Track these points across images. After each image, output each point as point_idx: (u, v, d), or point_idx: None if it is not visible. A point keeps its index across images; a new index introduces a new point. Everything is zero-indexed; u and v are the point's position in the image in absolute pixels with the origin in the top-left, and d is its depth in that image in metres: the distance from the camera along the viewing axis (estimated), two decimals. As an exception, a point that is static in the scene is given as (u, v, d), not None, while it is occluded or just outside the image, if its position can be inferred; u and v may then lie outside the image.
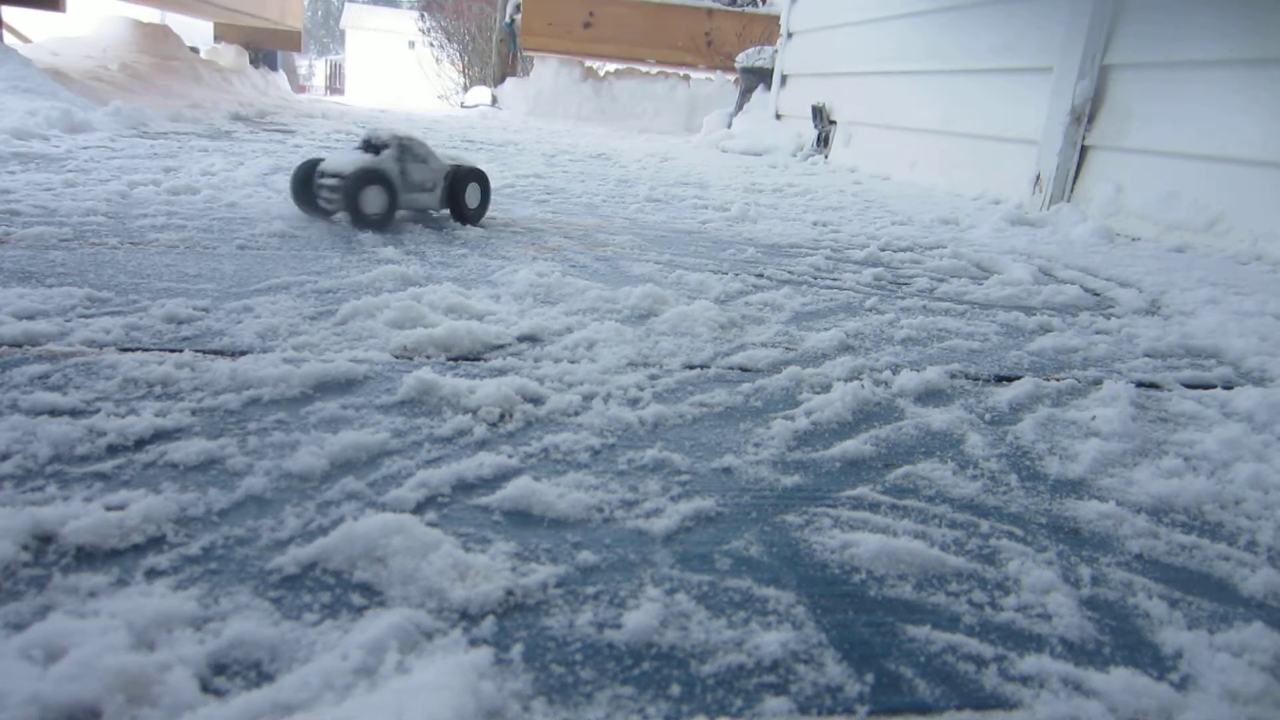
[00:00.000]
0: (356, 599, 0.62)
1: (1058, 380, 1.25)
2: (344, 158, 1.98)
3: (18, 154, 2.67)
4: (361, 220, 1.93)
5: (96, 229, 1.75)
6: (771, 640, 0.60)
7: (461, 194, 2.09)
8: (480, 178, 2.15)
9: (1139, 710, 0.56)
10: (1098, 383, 1.25)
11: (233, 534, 0.69)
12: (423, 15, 15.24)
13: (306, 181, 2.01)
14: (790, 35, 6.26)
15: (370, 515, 0.70)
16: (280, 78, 9.95)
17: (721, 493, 0.83)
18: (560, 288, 1.56)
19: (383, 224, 1.95)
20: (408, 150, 2.00)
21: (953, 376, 1.24)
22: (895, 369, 1.24)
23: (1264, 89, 2.58)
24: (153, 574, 0.63)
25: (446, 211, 2.14)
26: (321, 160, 2.01)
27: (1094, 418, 1.09)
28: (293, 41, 10.30)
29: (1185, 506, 0.87)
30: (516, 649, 0.57)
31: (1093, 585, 0.71)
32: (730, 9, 10.14)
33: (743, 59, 7.11)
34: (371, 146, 1.99)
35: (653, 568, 0.69)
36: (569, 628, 0.60)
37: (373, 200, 1.91)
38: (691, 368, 1.19)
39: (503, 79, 11.01)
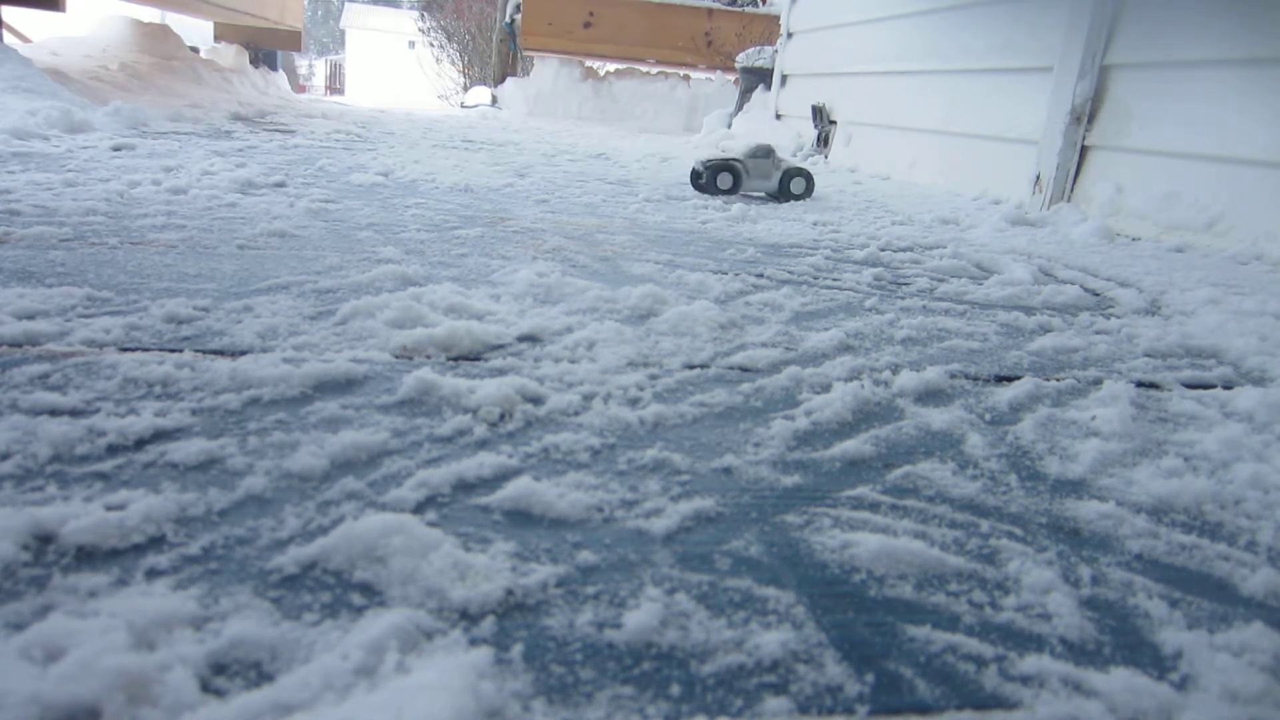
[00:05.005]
0: (356, 599, 0.62)
1: (1058, 380, 1.25)
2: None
3: (18, 154, 2.67)
4: None
5: (96, 229, 1.75)
6: (771, 640, 0.60)
7: None
8: None
9: (1139, 710, 0.56)
10: (1098, 383, 1.25)
11: (233, 534, 0.69)
12: (423, 15, 15.24)
13: None
14: (790, 35, 6.26)
15: (370, 515, 0.70)
16: (280, 78, 9.95)
17: (721, 493, 0.83)
18: (560, 288, 1.56)
19: None
20: None
21: (953, 376, 1.24)
22: (895, 369, 1.24)
23: (1264, 89, 2.58)
24: (153, 574, 0.63)
25: None
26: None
27: (1094, 418, 1.09)
28: (293, 41, 10.31)
29: (1185, 506, 0.87)
30: (516, 649, 0.57)
31: (1093, 585, 0.71)
32: (730, 9, 10.14)
33: (743, 59, 7.11)
34: None
35: (653, 568, 0.69)
36: (569, 628, 0.60)
37: None
38: (691, 368, 1.19)
39: (503, 79, 11.00)
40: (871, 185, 4.17)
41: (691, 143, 6.65)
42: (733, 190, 3.15)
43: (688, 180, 3.35)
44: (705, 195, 3.15)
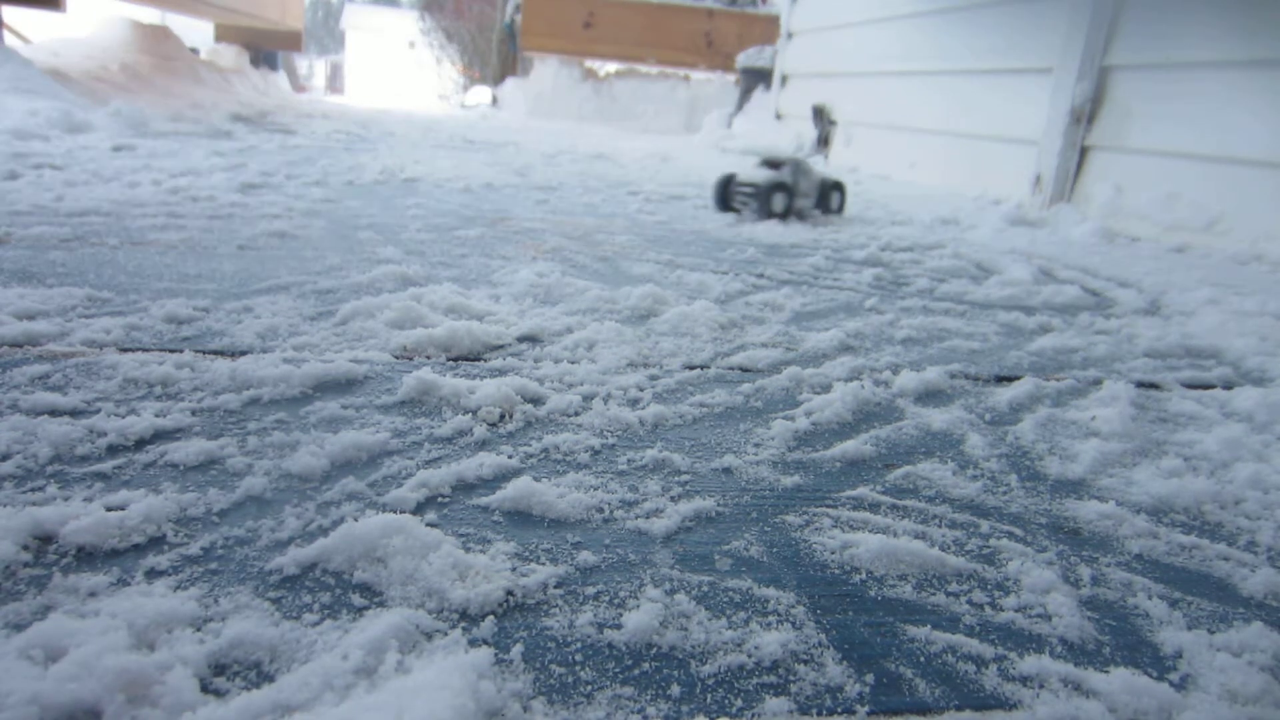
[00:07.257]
0: (356, 599, 0.62)
1: (1058, 380, 1.25)
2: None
3: (18, 154, 2.67)
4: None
5: (96, 229, 1.75)
6: (771, 640, 0.60)
7: None
8: None
9: (1139, 710, 0.56)
10: (1098, 383, 1.25)
11: (233, 534, 0.69)
12: (423, 15, 15.26)
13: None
14: (790, 35, 6.26)
15: (370, 515, 0.70)
16: (280, 78, 9.96)
17: (721, 493, 0.83)
18: (560, 288, 1.56)
19: None
20: None
21: (953, 376, 1.24)
22: (895, 369, 1.24)
23: (1264, 89, 2.58)
24: (153, 574, 0.63)
25: None
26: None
27: (1094, 418, 1.09)
28: (293, 42, 10.31)
29: (1185, 506, 0.87)
30: (516, 649, 0.57)
31: (1093, 585, 0.71)
32: (730, 9, 10.14)
33: (743, 59, 7.11)
34: None
35: (653, 568, 0.69)
36: (569, 628, 0.60)
37: None
38: (691, 368, 1.19)
39: (503, 79, 11.01)
40: (872, 185, 4.17)
41: (692, 143, 6.65)
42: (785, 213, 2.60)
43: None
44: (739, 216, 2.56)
